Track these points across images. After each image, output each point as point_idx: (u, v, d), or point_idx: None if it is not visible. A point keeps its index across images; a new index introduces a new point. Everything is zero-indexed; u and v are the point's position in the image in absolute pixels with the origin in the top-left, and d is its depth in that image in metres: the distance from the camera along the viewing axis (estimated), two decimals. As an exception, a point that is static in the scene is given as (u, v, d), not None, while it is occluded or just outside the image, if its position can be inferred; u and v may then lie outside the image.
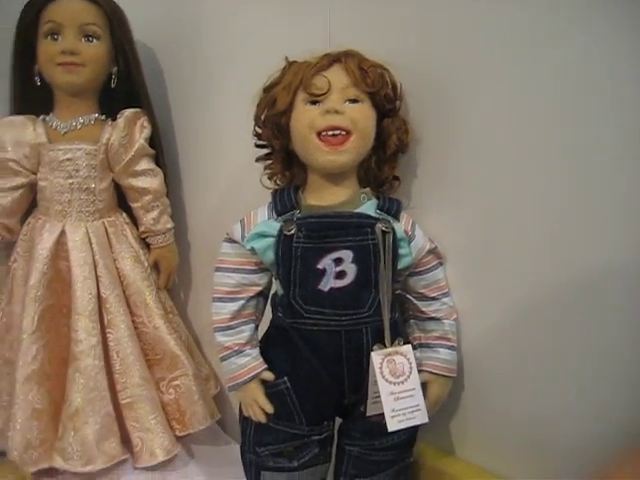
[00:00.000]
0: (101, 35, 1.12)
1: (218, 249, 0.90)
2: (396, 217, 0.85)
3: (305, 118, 0.82)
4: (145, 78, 1.21)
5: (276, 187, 0.92)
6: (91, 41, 1.11)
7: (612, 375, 0.76)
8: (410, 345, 0.84)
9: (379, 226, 0.81)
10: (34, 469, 1.11)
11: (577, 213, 0.75)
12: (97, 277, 1.15)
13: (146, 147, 1.19)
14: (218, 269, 0.89)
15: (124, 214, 1.24)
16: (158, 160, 1.23)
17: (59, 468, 1.12)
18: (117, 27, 1.14)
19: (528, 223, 0.80)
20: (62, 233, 1.15)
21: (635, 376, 0.74)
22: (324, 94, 0.81)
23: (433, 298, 0.89)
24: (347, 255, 0.81)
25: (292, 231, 0.81)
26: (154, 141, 1.22)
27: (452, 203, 0.88)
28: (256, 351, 0.88)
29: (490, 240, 0.85)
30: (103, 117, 1.18)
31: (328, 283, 0.81)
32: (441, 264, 0.90)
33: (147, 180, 1.19)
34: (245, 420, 0.91)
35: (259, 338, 0.91)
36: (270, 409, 0.86)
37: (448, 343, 0.89)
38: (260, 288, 0.89)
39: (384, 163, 0.88)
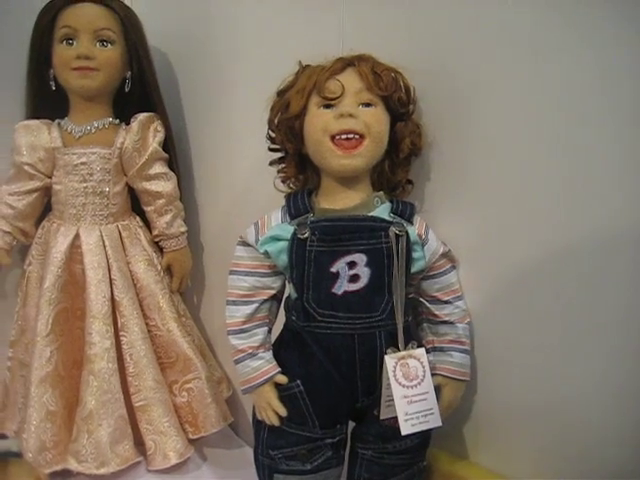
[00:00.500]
0: (115, 40, 1.13)
1: (231, 252, 0.90)
2: (409, 220, 0.85)
3: (319, 122, 0.82)
4: (159, 82, 1.22)
5: (289, 190, 0.92)
6: (106, 46, 1.12)
7: (630, 381, 0.75)
8: (423, 348, 0.84)
9: (393, 229, 0.81)
10: (48, 471, 1.12)
11: (591, 216, 0.74)
12: (111, 280, 1.16)
13: (159, 151, 1.19)
14: (232, 272, 0.89)
15: (138, 218, 1.25)
16: (171, 164, 1.23)
17: (73, 470, 1.12)
18: (131, 32, 1.15)
19: (541, 226, 0.79)
20: (76, 236, 1.16)
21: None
22: (337, 98, 0.81)
23: (446, 302, 0.89)
24: (361, 258, 0.81)
25: (306, 234, 0.82)
26: (167, 145, 1.22)
27: (465, 206, 0.88)
28: (269, 354, 0.88)
29: (503, 243, 0.85)
30: (117, 121, 1.19)
31: (342, 286, 0.82)
32: (454, 267, 0.90)
33: (160, 184, 1.19)
34: (259, 423, 0.91)
35: (272, 341, 0.91)
36: (283, 412, 0.86)
37: (461, 347, 0.89)
38: (274, 291, 0.89)
39: (397, 167, 0.89)
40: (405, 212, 0.85)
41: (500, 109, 0.81)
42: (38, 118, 1.17)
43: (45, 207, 1.22)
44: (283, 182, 0.93)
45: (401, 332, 0.82)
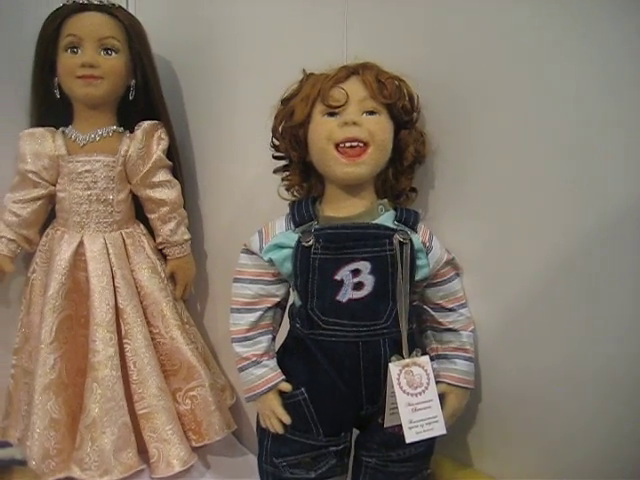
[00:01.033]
0: (120, 48, 1.14)
1: (235, 260, 0.91)
2: (414, 228, 0.85)
3: (323, 130, 0.82)
4: (163, 91, 1.22)
5: (293, 198, 0.92)
6: (110, 54, 1.13)
7: (633, 385, 0.75)
8: (428, 356, 0.84)
9: (397, 237, 0.81)
10: (52, 479, 1.11)
11: (597, 224, 0.74)
12: (115, 288, 1.16)
13: (163, 159, 1.20)
14: (236, 280, 0.89)
15: (141, 225, 1.25)
16: (175, 172, 1.24)
17: (76, 478, 1.12)
18: (135, 40, 1.16)
19: (546, 233, 0.80)
20: (80, 244, 1.16)
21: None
22: (342, 106, 0.82)
23: (450, 309, 0.89)
24: (365, 266, 0.81)
25: (310, 242, 0.82)
26: (171, 153, 1.23)
27: (469, 214, 0.88)
28: (274, 362, 0.88)
29: (507, 251, 0.85)
30: (121, 129, 1.19)
31: (346, 294, 0.82)
32: (458, 275, 0.90)
33: (164, 192, 1.20)
34: (263, 431, 0.91)
35: (276, 349, 0.91)
36: (287, 420, 0.86)
37: (465, 354, 0.89)
38: (278, 299, 0.89)
39: (401, 174, 0.89)
40: (409, 220, 0.85)
41: (504, 117, 0.81)
42: (43, 126, 1.18)
43: (49, 215, 1.22)
44: (287, 190, 0.94)
45: (405, 340, 0.82)
